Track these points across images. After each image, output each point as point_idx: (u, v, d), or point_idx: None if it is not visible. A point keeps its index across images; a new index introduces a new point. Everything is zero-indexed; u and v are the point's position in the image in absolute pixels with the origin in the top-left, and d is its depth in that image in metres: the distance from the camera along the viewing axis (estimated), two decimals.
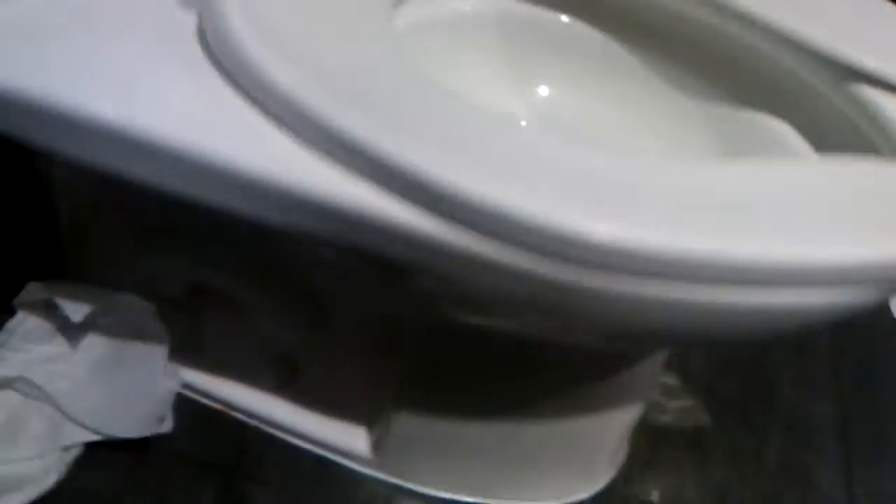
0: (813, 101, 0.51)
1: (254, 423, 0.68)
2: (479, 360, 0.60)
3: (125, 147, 0.39)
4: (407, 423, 0.65)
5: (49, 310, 0.66)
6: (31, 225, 0.68)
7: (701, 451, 0.72)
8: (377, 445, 0.66)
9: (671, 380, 0.76)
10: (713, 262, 0.36)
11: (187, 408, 0.67)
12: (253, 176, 0.38)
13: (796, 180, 0.40)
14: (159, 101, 0.39)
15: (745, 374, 0.79)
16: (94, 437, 0.62)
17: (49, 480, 0.61)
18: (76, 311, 0.61)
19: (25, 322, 0.66)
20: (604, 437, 0.67)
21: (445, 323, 0.57)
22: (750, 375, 0.79)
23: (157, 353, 0.64)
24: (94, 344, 0.65)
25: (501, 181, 0.36)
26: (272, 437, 0.67)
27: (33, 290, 0.64)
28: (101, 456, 0.64)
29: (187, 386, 0.68)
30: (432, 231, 0.37)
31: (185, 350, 0.67)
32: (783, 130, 0.52)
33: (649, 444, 0.72)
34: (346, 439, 0.67)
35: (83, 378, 0.63)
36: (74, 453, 0.63)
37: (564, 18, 0.59)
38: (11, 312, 0.66)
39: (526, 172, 0.36)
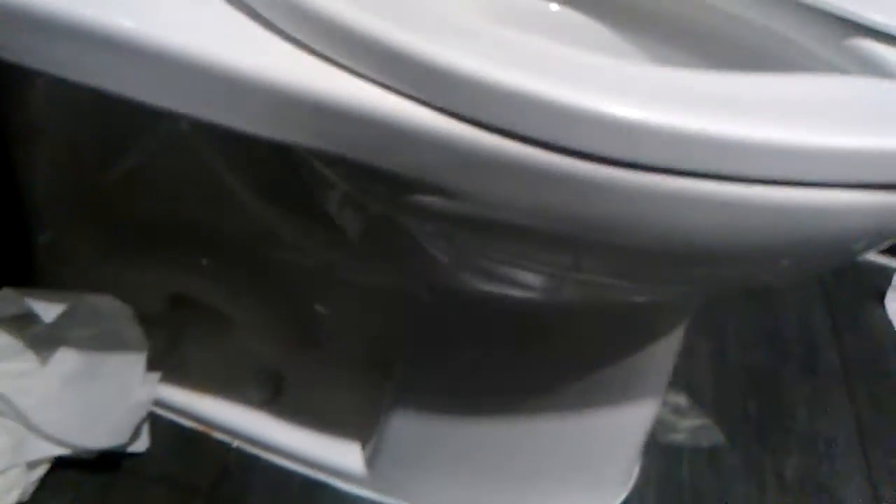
0: (812, 65, 0.51)
1: (237, 443, 0.63)
2: (479, 360, 0.57)
3: (132, 58, 0.37)
4: (401, 438, 0.60)
5: (18, 325, 0.62)
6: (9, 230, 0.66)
7: (718, 469, 0.68)
8: (370, 463, 0.61)
9: (681, 399, 0.73)
10: (735, 146, 0.34)
11: (164, 427, 0.63)
12: (258, 79, 0.36)
13: (808, 86, 0.39)
14: (158, 14, 0.38)
15: (758, 393, 0.75)
16: (61, 451, 0.57)
17: (9, 499, 0.55)
18: (49, 311, 0.57)
19: None
20: (613, 447, 0.62)
21: (446, 306, 0.54)
22: (762, 395, 0.75)
23: (133, 360, 0.60)
24: (65, 357, 0.60)
25: (519, 70, 0.34)
26: (257, 458, 0.62)
27: (10, 296, 0.61)
28: (70, 478, 0.59)
29: (165, 404, 0.63)
30: (439, 127, 0.35)
31: (164, 366, 0.63)
32: None
33: (663, 462, 0.67)
34: (336, 457, 0.62)
35: (53, 392, 0.59)
36: (40, 472, 0.57)
37: (554, 7, 0.59)
38: None
39: (543, 66, 0.35)
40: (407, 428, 0.60)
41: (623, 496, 0.64)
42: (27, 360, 0.61)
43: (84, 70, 0.40)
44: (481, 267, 0.47)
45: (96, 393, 0.59)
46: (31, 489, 0.57)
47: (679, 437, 0.69)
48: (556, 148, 0.35)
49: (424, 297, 0.54)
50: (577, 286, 0.48)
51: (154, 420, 0.62)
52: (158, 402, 0.63)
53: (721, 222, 0.37)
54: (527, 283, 0.48)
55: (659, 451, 0.68)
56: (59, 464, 0.58)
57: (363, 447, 0.62)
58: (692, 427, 0.70)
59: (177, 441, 0.62)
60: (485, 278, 0.49)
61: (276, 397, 0.64)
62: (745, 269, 0.43)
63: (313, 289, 0.64)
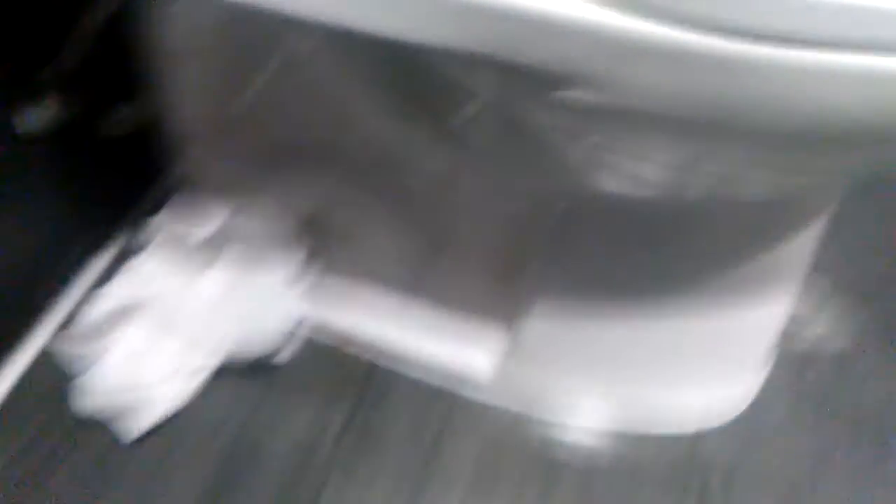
0: None
1: (377, 349, 0.66)
2: (611, 261, 0.58)
3: None
4: (536, 337, 0.62)
5: (178, 241, 0.67)
6: (153, 158, 0.70)
7: (854, 361, 0.67)
8: (506, 362, 0.64)
9: (818, 292, 0.72)
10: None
11: (310, 336, 0.66)
12: None
13: None
14: None
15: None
16: (223, 358, 0.62)
17: (178, 402, 0.61)
18: (203, 230, 0.62)
19: (156, 253, 0.67)
20: (745, 341, 0.63)
21: (576, 209, 0.56)
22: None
23: (280, 274, 0.64)
24: (220, 272, 0.64)
25: None
26: (397, 362, 0.66)
27: (163, 220, 0.66)
28: (229, 384, 0.63)
29: (309, 315, 0.67)
30: (588, 16, 0.36)
31: (306, 280, 0.67)
32: None
33: (795, 363, 0.67)
34: (472, 358, 0.65)
35: (212, 304, 0.63)
36: (203, 377, 0.62)
37: None
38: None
39: None
40: (542, 327, 0.62)
41: (755, 390, 0.65)
42: (186, 275, 0.66)
43: None
44: (614, 165, 0.49)
45: (250, 304, 0.63)
46: (193, 395, 0.62)
47: (813, 334, 0.69)
48: (709, 27, 0.36)
49: (555, 202, 0.56)
50: (709, 180, 0.48)
51: (301, 329, 0.66)
52: (304, 313, 0.66)
53: (867, 97, 0.37)
54: (660, 180, 0.49)
55: (791, 351, 0.68)
56: (218, 372, 0.63)
57: (494, 357, 0.65)
58: (831, 318, 0.70)
59: (322, 349, 0.66)
60: (616, 177, 0.50)
61: (411, 305, 0.67)
62: (879, 152, 0.43)
63: (441, 201, 0.66)
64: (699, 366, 0.63)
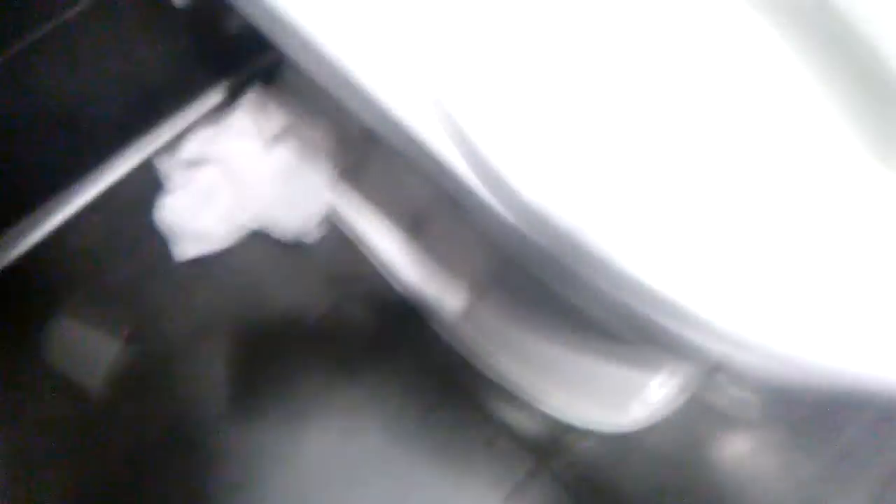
0: None
1: (376, 258, 0.81)
2: (544, 293, 0.66)
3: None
4: (488, 312, 0.76)
5: (259, 116, 0.82)
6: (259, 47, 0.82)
7: (739, 442, 0.78)
8: (464, 316, 0.78)
9: None
10: None
11: (332, 231, 0.82)
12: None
13: None
14: None
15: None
16: (265, 224, 0.79)
17: (226, 241, 0.80)
18: (277, 119, 0.77)
19: (241, 120, 0.82)
20: (643, 386, 0.75)
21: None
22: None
23: (326, 170, 0.80)
24: (282, 153, 0.80)
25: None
26: (388, 275, 0.81)
27: (253, 95, 0.81)
28: (261, 245, 0.81)
29: (335, 214, 0.82)
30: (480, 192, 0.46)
31: (346, 179, 0.81)
32: None
33: (691, 415, 0.78)
34: (443, 297, 0.78)
35: (268, 175, 0.80)
36: (245, 231, 0.81)
37: None
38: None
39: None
40: (492, 306, 0.75)
41: (641, 426, 0.77)
42: (257, 145, 0.82)
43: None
44: None
45: (297, 186, 0.80)
46: (233, 243, 0.80)
47: (717, 400, 0.79)
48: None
49: None
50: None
51: (327, 220, 0.82)
52: (332, 209, 0.82)
53: None
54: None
55: (693, 405, 0.78)
56: (256, 234, 0.81)
57: (463, 300, 0.78)
58: (737, 398, 0.79)
59: (340, 242, 0.82)
60: None
61: (415, 234, 0.80)
62: None
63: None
64: (606, 382, 0.75)
